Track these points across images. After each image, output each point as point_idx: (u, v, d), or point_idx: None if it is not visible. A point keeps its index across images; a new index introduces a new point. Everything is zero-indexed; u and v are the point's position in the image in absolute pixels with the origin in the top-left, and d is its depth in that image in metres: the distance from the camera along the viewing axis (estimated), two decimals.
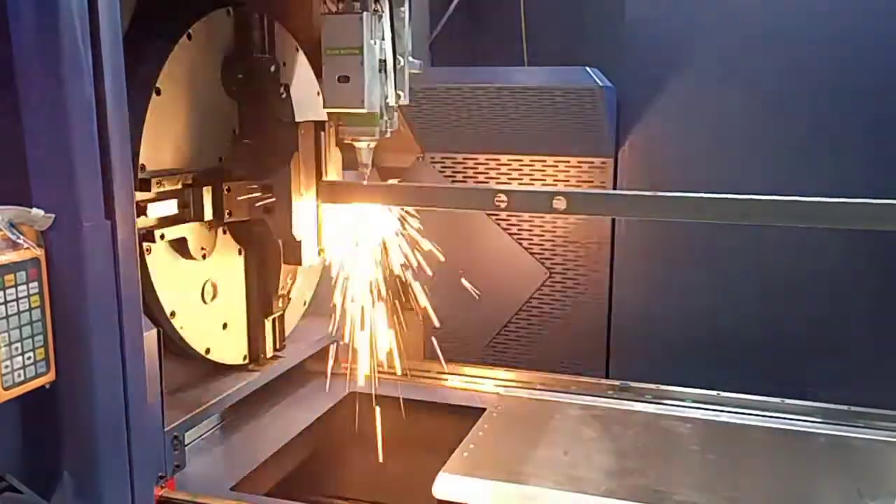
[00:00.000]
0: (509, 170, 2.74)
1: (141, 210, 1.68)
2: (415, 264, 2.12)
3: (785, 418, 2.21)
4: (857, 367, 2.42)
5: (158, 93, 1.77)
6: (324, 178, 2.05)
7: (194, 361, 2.02)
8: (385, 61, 1.93)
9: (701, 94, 2.51)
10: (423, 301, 2.16)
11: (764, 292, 2.53)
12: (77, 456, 1.39)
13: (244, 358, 2.15)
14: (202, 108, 1.90)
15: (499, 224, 2.79)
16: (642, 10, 2.52)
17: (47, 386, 1.33)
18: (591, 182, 2.66)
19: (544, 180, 2.71)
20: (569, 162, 2.67)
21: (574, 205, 1.84)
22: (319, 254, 2.04)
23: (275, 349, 2.22)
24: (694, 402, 2.34)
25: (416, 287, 2.16)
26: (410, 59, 2.02)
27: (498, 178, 2.75)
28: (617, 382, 2.47)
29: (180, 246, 1.86)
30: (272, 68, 2.03)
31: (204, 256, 1.93)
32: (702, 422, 2.22)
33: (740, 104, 2.46)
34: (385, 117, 1.95)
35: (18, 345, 1.27)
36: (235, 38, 1.99)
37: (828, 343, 2.45)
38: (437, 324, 2.25)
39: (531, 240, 2.78)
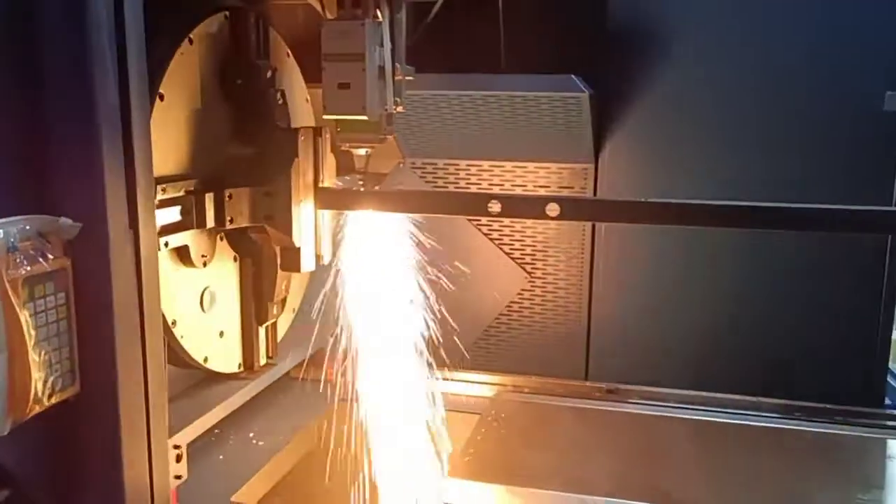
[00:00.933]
0: (490, 175, 2.77)
1: None
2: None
3: (769, 417, 2.28)
4: (839, 367, 2.51)
5: (162, 98, 1.74)
6: (320, 184, 2.05)
7: (187, 370, 2.00)
8: (383, 68, 1.94)
9: (681, 99, 2.56)
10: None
11: (742, 294, 2.60)
12: (99, 467, 1.37)
13: (238, 366, 2.13)
14: (202, 114, 1.88)
15: (479, 229, 2.82)
16: (624, 17, 2.57)
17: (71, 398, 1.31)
18: (573, 187, 2.70)
19: (525, 186, 2.74)
20: (549, 168, 2.71)
21: (567, 211, 1.85)
22: (318, 261, 2.03)
23: (268, 356, 2.20)
24: (679, 402, 2.39)
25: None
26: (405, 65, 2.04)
27: (479, 184, 2.77)
28: (604, 385, 2.51)
29: (182, 254, 1.83)
30: (269, 73, 2.02)
31: (204, 264, 1.90)
32: (692, 422, 2.28)
33: (721, 110, 2.53)
34: (384, 123, 1.96)
35: (47, 357, 1.24)
36: (232, 43, 1.98)
37: (808, 344, 2.53)
38: None
39: (511, 244, 2.81)
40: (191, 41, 1.83)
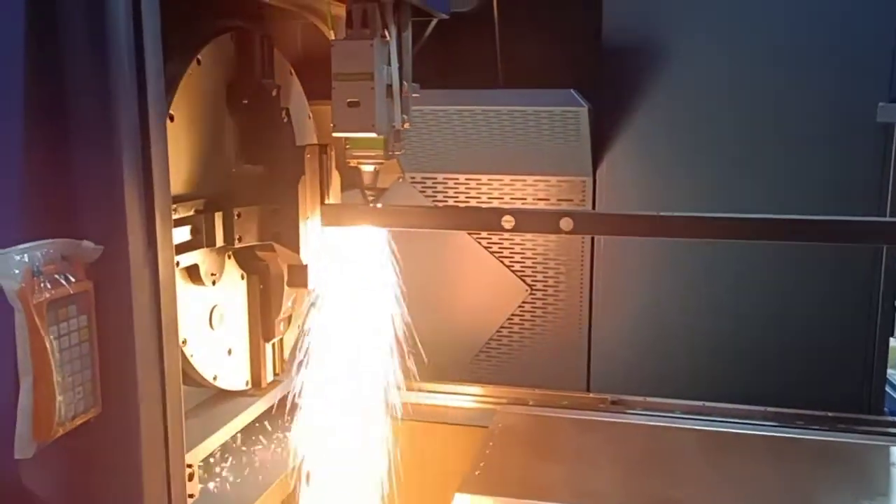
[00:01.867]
0: (490, 189, 2.79)
1: None
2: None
3: (773, 426, 2.30)
4: (837, 375, 2.54)
5: (172, 119, 1.75)
6: (326, 202, 2.07)
7: (196, 388, 2.00)
8: (391, 86, 1.96)
9: (677, 113, 2.60)
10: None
11: (741, 304, 2.63)
12: (120, 487, 1.37)
13: (246, 383, 2.13)
14: (211, 134, 1.89)
15: (479, 242, 2.84)
16: (620, 33, 2.60)
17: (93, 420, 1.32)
18: (571, 200, 2.73)
19: (524, 199, 2.77)
20: (549, 181, 2.74)
21: (581, 226, 1.88)
22: None
23: (275, 373, 2.20)
24: (683, 413, 2.42)
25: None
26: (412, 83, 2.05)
27: (479, 198, 2.80)
28: (608, 396, 2.53)
29: (192, 272, 1.84)
30: (274, 92, 2.04)
31: (214, 282, 1.91)
32: (696, 432, 2.30)
33: (716, 123, 2.57)
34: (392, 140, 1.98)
35: (70, 379, 1.25)
36: (239, 63, 1.99)
37: (807, 353, 2.56)
38: None
39: (512, 257, 2.83)
40: (199, 62, 1.84)
